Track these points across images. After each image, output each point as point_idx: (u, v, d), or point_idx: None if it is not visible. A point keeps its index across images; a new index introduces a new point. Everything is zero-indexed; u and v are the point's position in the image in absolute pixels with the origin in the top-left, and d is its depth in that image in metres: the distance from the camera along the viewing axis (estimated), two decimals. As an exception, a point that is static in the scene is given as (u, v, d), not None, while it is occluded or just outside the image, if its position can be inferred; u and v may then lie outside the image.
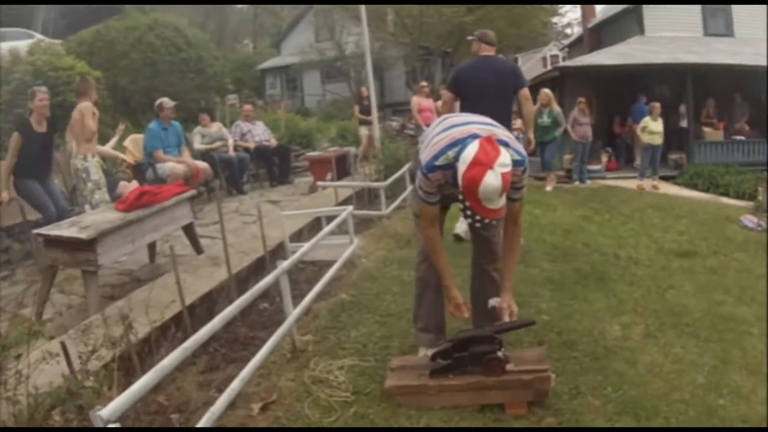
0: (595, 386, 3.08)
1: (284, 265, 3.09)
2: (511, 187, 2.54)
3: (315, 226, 5.97)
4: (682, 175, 12.50)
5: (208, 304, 3.85)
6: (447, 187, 2.69)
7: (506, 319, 2.78)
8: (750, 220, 7.95)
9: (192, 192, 5.13)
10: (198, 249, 5.16)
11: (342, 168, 9.14)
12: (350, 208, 4.88)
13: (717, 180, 11.62)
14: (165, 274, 4.51)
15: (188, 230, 5.13)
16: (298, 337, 3.36)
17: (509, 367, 2.75)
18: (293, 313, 3.16)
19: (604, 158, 13.60)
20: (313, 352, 3.33)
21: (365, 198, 7.83)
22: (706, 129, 13.54)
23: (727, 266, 5.82)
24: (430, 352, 3.09)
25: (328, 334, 3.58)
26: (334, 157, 8.53)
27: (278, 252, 5.04)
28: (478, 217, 2.42)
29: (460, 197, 2.43)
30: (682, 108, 13.76)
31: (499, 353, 2.74)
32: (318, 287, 3.73)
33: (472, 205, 2.39)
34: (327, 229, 4.19)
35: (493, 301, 2.80)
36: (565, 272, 5.12)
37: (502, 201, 2.41)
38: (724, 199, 10.79)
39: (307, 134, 12.86)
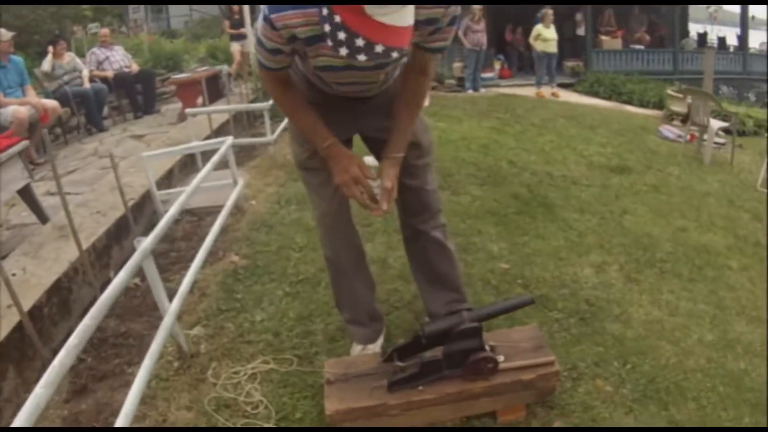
0: (597, 362, 2.40)
1: (144, 244, 2.00)
2: (429, 33, 1.62)
3: (188, 163, 4.99)
4: (582, 83, 12.34)
5: (60, 299, 2.64)
6: (315, 51, 1.62)
7: (385, 206, 1.79)
8: (669, 130, 7.69)
9: (23, 144, 3.65)
10: (42, 217, 3.77)
11: (214, 90, 8.08)
12: (229, 139, 3.71)
13: (619, 88, 11.49)
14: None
15: (25, 195, 3.72)
16: (184, 335, 2.32)
17: (502, 364, 1.93)
18: (171, 310, 2.12)
19: (497, 66, 13.35)
20: (209, 354, 2.33)
21: (244, 122, 6.78)
22: (604, 37, 13.38)
23: (668, 183, 5.45)
24: (371, 348, 2.21)
25: (225, 322, 2.57)
26: (204, 79, 7.44)
27: (145, 206, 3.84)
28: (361, 51, 1.31)
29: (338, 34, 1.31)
30: (578, 15, 13.49)
31: (487, 348, 1.89)
32: (201, 255, 2.66)
33: (352, 23, 1.29)
34: (202, 173, 3.06)
35: (374, 184, 1.82)
36: (501, 199, 4.48)
37: (408, 15, 1.33)
38: (629, 108, 10.68)
39: (173, 56, 11.50)
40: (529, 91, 11.27)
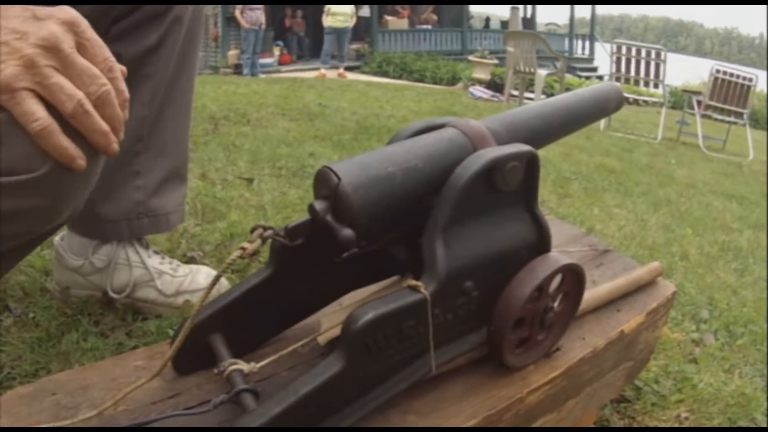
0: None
1: None
2: None
3: None
4: (369, 64, 12.14)
5: None
6: None
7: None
8: (481, 90, 7.56)
9: None
10: None
11: None
12: None
13: (410, 66, 11.49)
14: None
15: None
16: None
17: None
18: None
19: (277, 52, 12.92)
20: None
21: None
22: (390, 18, 13.44)
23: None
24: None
25: None
26: None
27: None
28: None
29: None
30: (363, -6, 13.41)
31: None
32: None
33: None
34: None
35: None
36: (327, 129, 3.74)
37: None
38: (422, 85, 10.65)
39: None
40: (313, 75, 10.84)
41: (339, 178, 0.61)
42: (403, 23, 13.48)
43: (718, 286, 1.93)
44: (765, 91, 16.81)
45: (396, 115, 4.89)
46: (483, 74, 8.38)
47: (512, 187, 0.68)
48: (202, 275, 1.25)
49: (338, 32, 10.72)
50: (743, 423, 1.14)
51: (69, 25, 0.57)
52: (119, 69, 0.61)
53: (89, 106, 0.57)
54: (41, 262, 1.33)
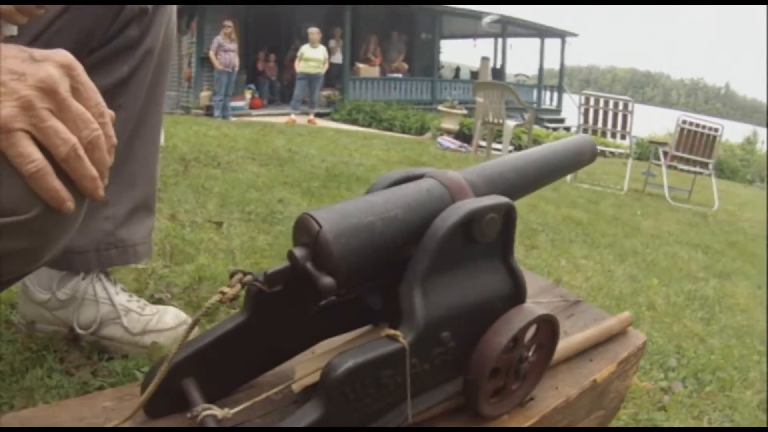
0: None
1: None
2: None
3: None
4: (339, 111, 12.30)
5: None
6: None
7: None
8: (449, 141, 7.68)
9: None
10: None
11: None
12: None
13: (379, 114, 11.65)
14: None
15: None
16: None
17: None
18: None
19: (248, 95, 13.09)
20: None
21: None
22: (362, 65, 13.65)
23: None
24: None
25: None
26: None
27: None
28: None
29: None
30: (332, 43, 13.60)
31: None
32: None
33: None
34: None
35: None
36: (296, 175, 3.77)
37: None
38: (391, 134, 10.83)
39: None
40: (283, 120, 10.98)
41: (320, 226, 0.62)
42: (374, 71, 13.71)
43: (686, 335, 1.97)
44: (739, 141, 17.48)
45: (365, 163, 4.95)
46: (451, 124, 8.55)
47: (490, 238, 0.70)
48: (169, 316, 1.25)
49: (310, 78, 10.80)
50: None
51: (66, 68, 0.58)
52: (109, 114, 0.61)
53: (81, 152, 0.57)
54: (7, 294, 1.32)
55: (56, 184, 0.57)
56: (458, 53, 24.74)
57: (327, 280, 0.60)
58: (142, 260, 1.23)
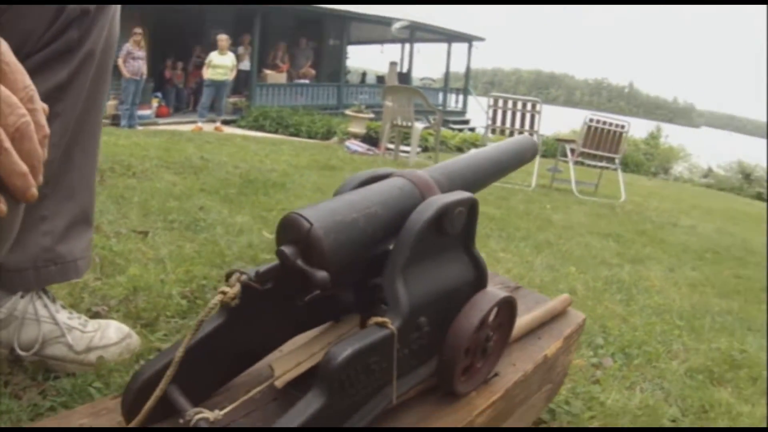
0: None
1: None
2: None
3: None
4: (245, 117, 12.23)
5: None
6: None
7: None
8: (357, 144, 7.78)
9: None
10: None
11: None
12: None
13: (286, 120, 11.69)
14: None
15: None
16: None
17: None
18: None
19: (155, 103, 12.84)
20: None
21: None
22: (269, 72, 13.58)
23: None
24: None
25: None
26: None
27: None
28: None
29: None
30: (240, 49, 13.47)
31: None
32: None
33: None
34: None
35: None
36: (213, 183, 3.75)
37: None
38: (298, 139, 10.85)
39: None
40: (189, 128, 10.77)
41: (311, 223, 0.66)
42: (281, 77, 13.65)
43: (609, 316, 2.12)
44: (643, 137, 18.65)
45: (277, 168, 4.95)
46: (358, 128, 8.65)
47: (457, 230, 0.77)
48: (111, 330, 1.22)
49: (217, 85, 10.67)
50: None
51: None
52: (40, 102, 0.50)
53: (7, 143, 0.46)
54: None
55: None
56: (366, 59, 24.93)
57: (321, 275, 0.64)
58: (83, 275, 1.18)
